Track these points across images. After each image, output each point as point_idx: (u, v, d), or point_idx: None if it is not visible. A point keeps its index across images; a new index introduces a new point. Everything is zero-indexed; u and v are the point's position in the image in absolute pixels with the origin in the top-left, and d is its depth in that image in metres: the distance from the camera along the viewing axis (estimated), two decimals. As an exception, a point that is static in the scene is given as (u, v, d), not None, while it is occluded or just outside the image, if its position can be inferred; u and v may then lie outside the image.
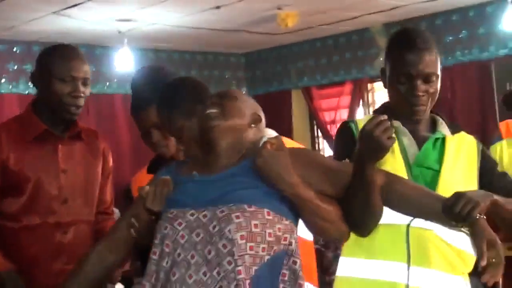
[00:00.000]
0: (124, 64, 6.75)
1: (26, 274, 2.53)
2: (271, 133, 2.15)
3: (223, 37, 7.13)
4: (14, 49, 6.58)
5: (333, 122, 7.50)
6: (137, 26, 6.35)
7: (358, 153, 1.93)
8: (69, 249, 2.58)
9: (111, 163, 2.81)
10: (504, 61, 6.20)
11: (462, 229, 2.03)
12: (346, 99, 7.42)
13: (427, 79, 2.11)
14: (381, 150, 1.90)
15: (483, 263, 1.91)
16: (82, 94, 2.54)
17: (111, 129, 6.86)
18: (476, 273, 2.05)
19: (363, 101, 7.48)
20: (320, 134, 7.99)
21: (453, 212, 1.90)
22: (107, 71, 7.13)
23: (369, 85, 7.46)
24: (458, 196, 1.92)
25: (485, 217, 1.96)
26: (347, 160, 2.07)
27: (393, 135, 1.91)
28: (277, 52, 8.03)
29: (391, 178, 2.01)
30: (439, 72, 2.13)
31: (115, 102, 7.23)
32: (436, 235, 2.06)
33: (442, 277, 2.05)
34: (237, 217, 1.81)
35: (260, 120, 2.04)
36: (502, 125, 4.18)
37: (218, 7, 5.85)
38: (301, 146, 2.33)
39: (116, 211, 3.94)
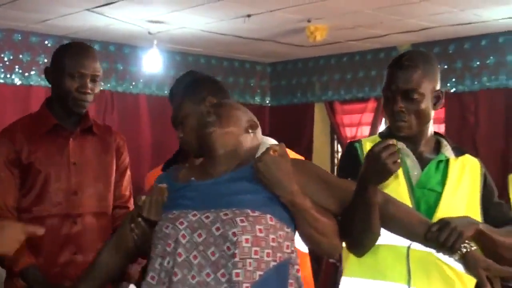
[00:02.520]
0: (152, 65, 6.77)
1: None
2: (271, 141, 2.21)
3: (250, 45, 7.11)
4: (46, 42, 6.62)
5: (353, 138, 7.32)
6: (167, 29, 6.37)
7: (363, 174, 1.93)
8: (77, 240, 2.62)
9: (127, 158, 2.83)
10: None
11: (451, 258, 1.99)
12: (368, 116, 7.33)
13: (406, 95, 2.11)
14: (386, 173, 1.90)
15: None
16: (89, 91, 2.58)
17: (134, 128, 6.88)
18: None
19: (385, 119, 7.32)
20: (340, 149, 7.86)
21: (438, 241, 1.90)
22: (134, 71, 7.17)
23: (392, 104, 7.39)
24: (442, 225, 1.92)
25: (474, 247, 1.94)
26: (349, 179, 2.06)
27: (399, 160, 1.89)
28: (303, 64, 7.95)
29: (387, 198, 2.01)
30: (423, 91, 2.11)
31: (139, 102, 7.26)
32: (436, 257, 2.05)
33: None
34: (242, 220, 1.81)
35: (257, 126, 2.06)
36: None
37: (249, 16, 5.85)
38: (301, 158, 2.33)
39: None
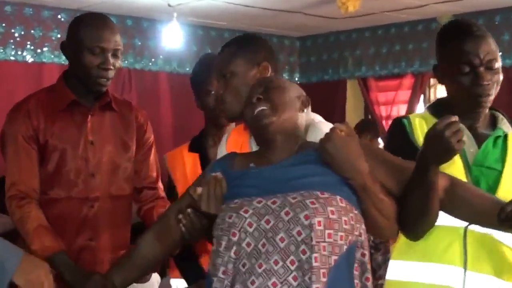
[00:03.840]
0: (172, 40, 6.79)
1: None
2: (317, 117, 2.26)
3: (278, 17, 7.15)
4: (59, 17, 6.66)
5: (388, 117, 7.45)
6: (188, 0, 6.37)
7: (423, 153, 1.96)
8: (94, 224, 2.65)
9: (151, 135, 2.84)
10: None
11: None
12: (405, 94, 7.36)
13: (490, 66, 2.13)
14: (449, 153, 1.92)
15: None
16: (111, 67, 2.58)
17: (153, 108, 6.86)
18: None
19: (424, 97, 7.40)
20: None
21: (507, 221, 1.89)
22: (153, 47, 7.20)
23: (431, 80, 7.33)
24: None
25: None
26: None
27: (464, 138, 1.93)
28: (334, 38, 8.01)
29: (454, 181, 2.05)
30: (499, 60, 2.16)
31: (159, 80, 7.29)
32: (496, 240, 2.08)
33: (503, 285, 2.08)
34: (312, 202, 1.83)
35: (309, 102, 2.10)
36: None
37: None
38: None
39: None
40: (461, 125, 2.09)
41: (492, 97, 2.16)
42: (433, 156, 1.94)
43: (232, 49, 2.32)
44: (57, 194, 2.61)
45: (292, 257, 1.81)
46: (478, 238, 2.09)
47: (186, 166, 2.78)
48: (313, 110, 2.34)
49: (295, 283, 1.80)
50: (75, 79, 2.65)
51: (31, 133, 2.59)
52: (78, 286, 2.46)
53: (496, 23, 6.68)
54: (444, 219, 2.08)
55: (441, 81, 2.25)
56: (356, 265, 1.89)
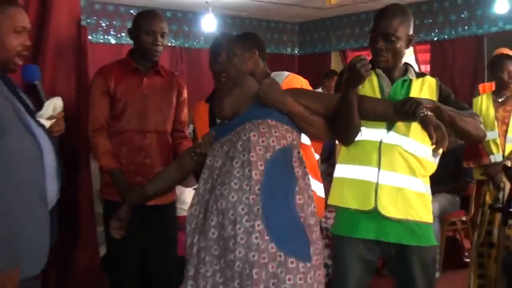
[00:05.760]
0: (209, 26, 6.63)
1: None
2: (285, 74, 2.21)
3: (283, 9, 6.92)
4: (131, 11, 6.48)
5: None
6: None
7: (344, 81, 1.91)
8: (146, 149, 2.63)
9: (185, 94, 2.78)
10: (495, 36, 5.93)
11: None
12: None
13: (386, 37, 2.04)
14: (359, 78, 1.87)
15: (433, 140, 1.90)
16: (160, 43, 2.59)
17: (197, 77, 6.71)
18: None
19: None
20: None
21: (402, 110, 1.90)
22: (196, 31, 6.99)
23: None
24: (405, 100, 1.93)
25: (431, 113, 1.93)
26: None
27: (370, 67, 1.86)
28: (322, 23, 7.73)
29: (362, 96, 2.01)
30: (399, 35, 2.03)
31: (201, 55, 7.04)
32: (402, 148, 2.04)
33: (405, 178, 2.05)
34: (249, 126, 1.87)
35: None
36: (480, 86, 4.24)
37: None
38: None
39: (191, 127, 4.05)
40: (383, 74, 2.09)
41: (389, 59, 2.07)
42: (350, 81, 1.89)
43: (235, 39, 2.27)
44: (121, 127, 2.61)
45: (237, 159, 1.82)
46: (389, 147, 2.04)
47: (201, 114, 2.59)
48: (309, 73, 2.26)
49: (239, 175, 1.80)
50: (137, 53, 2.63)
51: (106, 88, 2.58)
52: (124, 193, 2.48)
53: (434, 9, 6.40)
54: (366, 134, 2.06)
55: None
56: (294, 159, 1.87)
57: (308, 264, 1.76)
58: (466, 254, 4.46)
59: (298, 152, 1.90)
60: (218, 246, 1.77)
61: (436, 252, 2.06)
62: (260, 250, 1.70)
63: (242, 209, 1.75)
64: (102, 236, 2.82)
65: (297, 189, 1.82)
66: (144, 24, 2.58)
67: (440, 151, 1.98)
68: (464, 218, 4.50)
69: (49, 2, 2.54)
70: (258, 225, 1.73)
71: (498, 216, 3.28)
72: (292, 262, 1.73)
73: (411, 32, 2.09)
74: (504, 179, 3.29)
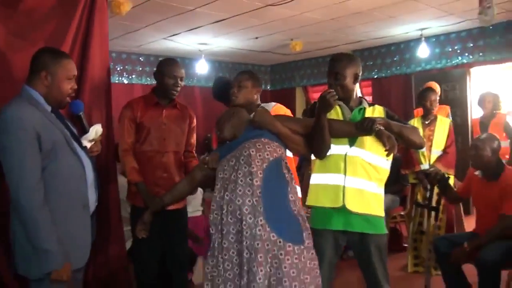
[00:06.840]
0: (202, 69, 6.68)
1: None
2: (271, 104, 2.27)
3: (258, 55, 7.04)
4: (140, 58, 6.64)
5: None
6: (210, 48, 6.33)
7: (317, 108, 1.93)
8: (164, 166, 2.58)
9: (194, 123, 2.76)
10: (420, 74, 6.08)
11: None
12: None
13: (336, 76, 2.07)
14: (329, 106, 1.90)
15: (387, 147, 1.93)
16: (179, 85, 2.57)
17: (192, 106, 6.36)
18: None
19: None
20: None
21: (362, 127, 1.94)
22: (191, 73, 7.04)
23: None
24: (364, 119, 1.98)
25: (383, 127, 1.96)
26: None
27: (336, 98, 1.89)
28: (289, 65, 7.82)
29: (331, 120, 2.01)
30: (345, 74, 2.04)
31: (194, 91, 7.17)
32: (361, 159, 2.06)
33: (364, 182, 2.07)
34: (248, 145, 1.88)
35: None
36: (415, 111, 4.36)
37: (256, 38, 5.87)
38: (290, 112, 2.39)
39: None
40: (343, 104, 2.08)
41: (338, 92, 2.02)
42: (321, 109, 1.91)
43: (246, 75, 2.26)
44: (145, 148, 2.56)
45: (240, 171, 1.82)
46: (352, 158, 2.04)
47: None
48: (278, 102, 2.35)
49: (242, 183, 1.80)
50: (159, 91, 2.59)
51: (133, 117, 2.54)
52: (147, 201, 2.43)
53: (374, 54, 6.52)
54: (334, 149, 2.05)
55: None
56: (283, 168, 1.88)
57: (302, 247, 1.79)
58: (404, 240, 4.54)
59: (286, 163, 1.91)
60: (234, 236, 1.81)
61: (386, 239, 2.06)
62: (263, 240, 1.74)
63: (246, 210, 1.77)
64: (128, 233, 2.80)
65: (289, 189, 1.85)
66: (167, 69, 2.55)
67: (391, 156, 2.00)
68: (402, 213, 4.59)
69: (87, 52, 2.53)
70: (261, 220, 1.76)
71: (426, 211, 3.37)
72: (289, 246, 1.76)
73: (357, 71, 2.09)
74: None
